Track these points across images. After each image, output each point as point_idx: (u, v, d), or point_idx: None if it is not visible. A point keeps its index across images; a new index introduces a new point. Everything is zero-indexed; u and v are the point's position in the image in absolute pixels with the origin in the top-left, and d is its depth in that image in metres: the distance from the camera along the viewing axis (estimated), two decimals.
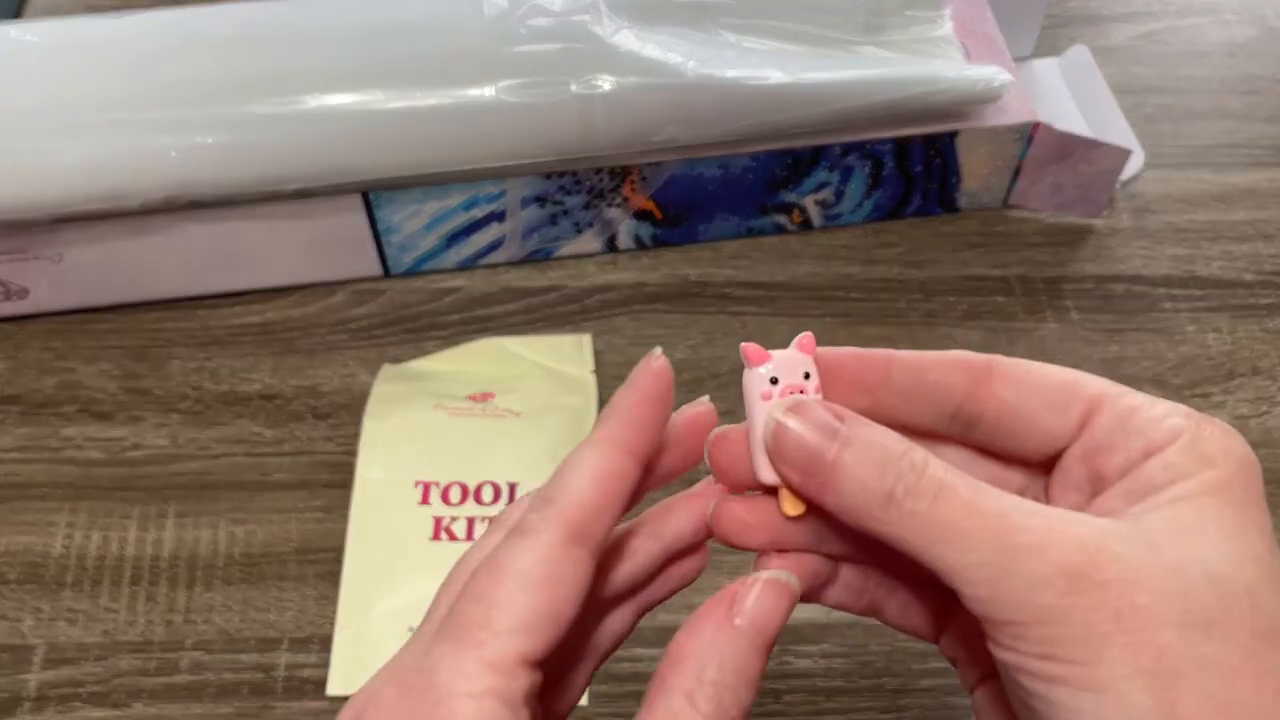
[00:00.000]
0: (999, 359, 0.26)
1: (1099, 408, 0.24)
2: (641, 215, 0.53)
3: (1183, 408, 0.24)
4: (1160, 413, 0.24)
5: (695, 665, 0.23)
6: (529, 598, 0.22)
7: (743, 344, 0.26)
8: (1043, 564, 0.21)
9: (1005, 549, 0.22)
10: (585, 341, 0.50)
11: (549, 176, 0.50)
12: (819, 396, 0.25)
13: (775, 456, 0.24)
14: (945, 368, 0.26)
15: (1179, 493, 0.22)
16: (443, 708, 0.21)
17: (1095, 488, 0.24)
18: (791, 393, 0.25)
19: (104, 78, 0.47)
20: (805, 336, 0.26)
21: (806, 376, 0.25)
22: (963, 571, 0.22)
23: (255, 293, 0.53)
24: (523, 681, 0.22)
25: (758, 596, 0.24)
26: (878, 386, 0.26)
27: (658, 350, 0.25)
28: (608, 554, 0.26)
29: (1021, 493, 0.26)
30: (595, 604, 0.27)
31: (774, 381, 0.25)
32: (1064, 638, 0.21)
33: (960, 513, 0.22)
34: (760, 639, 0.24)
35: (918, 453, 0.23)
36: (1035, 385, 0.25)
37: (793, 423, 0.24)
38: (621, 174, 0.51)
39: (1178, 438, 0.23)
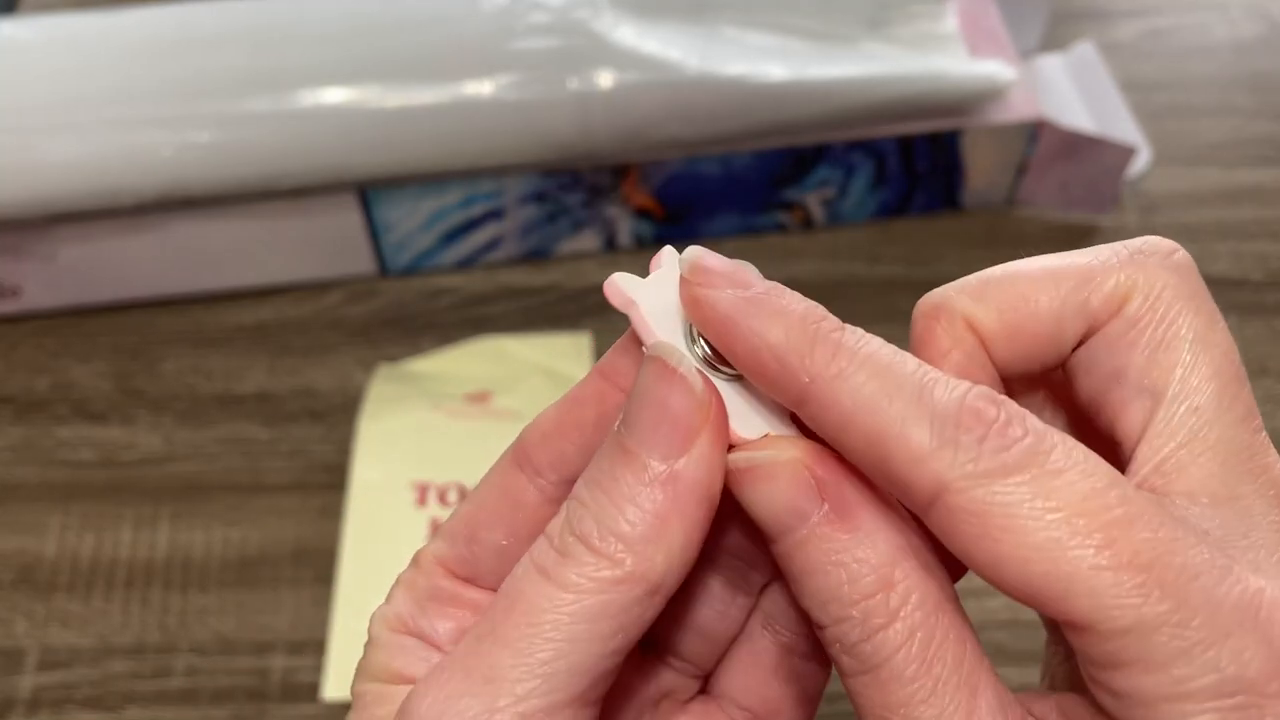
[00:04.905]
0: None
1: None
2: (641, 213, 0.52)
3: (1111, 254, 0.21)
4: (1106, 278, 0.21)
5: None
6: (460, 508, 0.23)
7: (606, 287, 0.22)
8: None
9: None
10: (584, 341, 0.49)
11: (548, 174, 0.50)
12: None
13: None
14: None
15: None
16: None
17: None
18: None
19: (97, 74, 0.47)
20: (666, 250, 0.22)
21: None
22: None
23: (250, 292, 0.52)
24: (426, 578, 0.23)
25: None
26: None
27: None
28: None
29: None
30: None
31: None
32: None
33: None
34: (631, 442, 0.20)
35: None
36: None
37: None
38: (621, 171, 0.50)
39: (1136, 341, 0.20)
